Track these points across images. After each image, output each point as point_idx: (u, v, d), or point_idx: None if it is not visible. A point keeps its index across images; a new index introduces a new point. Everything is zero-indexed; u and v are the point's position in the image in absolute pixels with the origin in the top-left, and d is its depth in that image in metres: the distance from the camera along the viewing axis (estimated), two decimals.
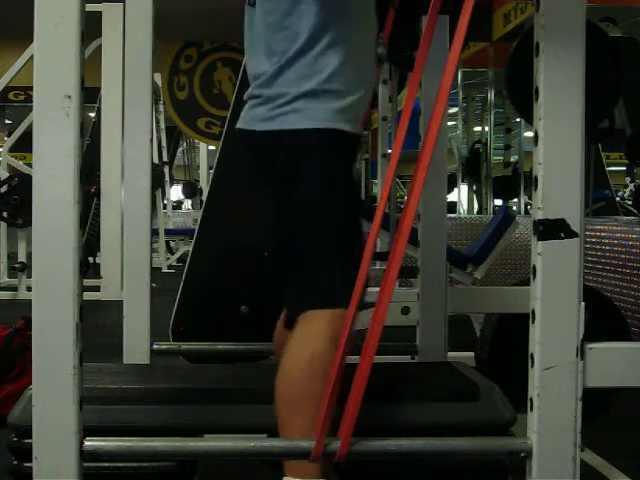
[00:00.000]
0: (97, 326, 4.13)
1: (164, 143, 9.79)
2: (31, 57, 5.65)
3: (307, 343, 1.52)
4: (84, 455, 1.37)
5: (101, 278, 6.29)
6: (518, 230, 4.65)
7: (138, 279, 2.33)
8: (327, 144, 1.58)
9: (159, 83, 8.22)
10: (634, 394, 2.41)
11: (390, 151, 4.43)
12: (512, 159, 8.15)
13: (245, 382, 1.86)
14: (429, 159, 1.40)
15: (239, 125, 1.71)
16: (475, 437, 1.57)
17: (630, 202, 10.81)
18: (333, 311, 1.52)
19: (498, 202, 8.02)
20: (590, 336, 1.49)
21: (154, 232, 6.87)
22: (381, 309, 1.41)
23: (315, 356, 1.49)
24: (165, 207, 10.41)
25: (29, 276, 6.19)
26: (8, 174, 6.58)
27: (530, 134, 6.55)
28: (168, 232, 9.70)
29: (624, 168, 15.15)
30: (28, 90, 9.06)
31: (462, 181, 8.62)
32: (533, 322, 1.47)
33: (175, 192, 14.87)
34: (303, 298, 1.59)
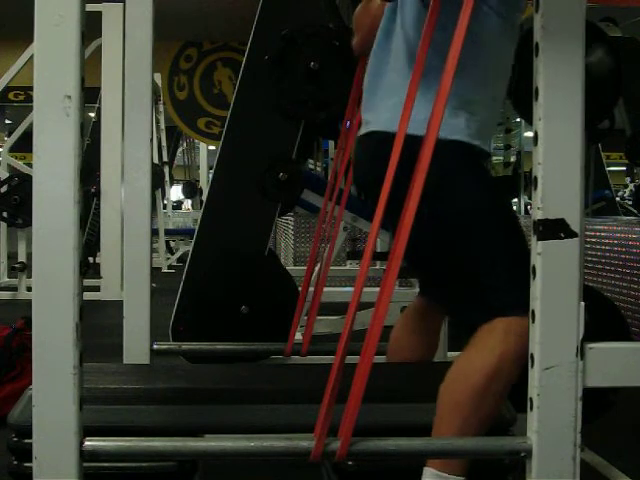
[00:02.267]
0: (97, 326, 4.14)
1: (164, 143, 9.80)
2: (31, 57, 5.66)
3: (492, 352, 1.55)
4: (84, 455, 1.37)
5: (101, 278, 6.29)
6: None
7: (138, 279, 2.33)
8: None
9: (159, 83, 8.23)
10: (634, 394, 2.41)
11: None
12: (512, 159, 8.15)
13: (245, 382, 1.86)
14: (429, 160, 1.40)
15: None
16: (475, 437, 1.56)
17: (630, 202, 10.81)
18: (519, 319, 1.54)
19: None
20: (590, 336, 1.49)
21: (154, 232, 6.88)
22: (381, 309, 1.41)
23: (500, 367, 1.54)
24: (165, 207, 10.41)
25: (29, 276, 6.20)
26: (8, 174, 6.59)
27: (530, 134, 6.55)
28: (168, 232, 9.71)
29: (624, 168, 15.16)
30: (28, 90, 9.07)
31: None
32: (533, 322, 1.46)
33: (175, 192, 14.88)
34: (487, 307, 1.61)
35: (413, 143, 1.44)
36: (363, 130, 1.79)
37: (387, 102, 1.70)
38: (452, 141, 1.63)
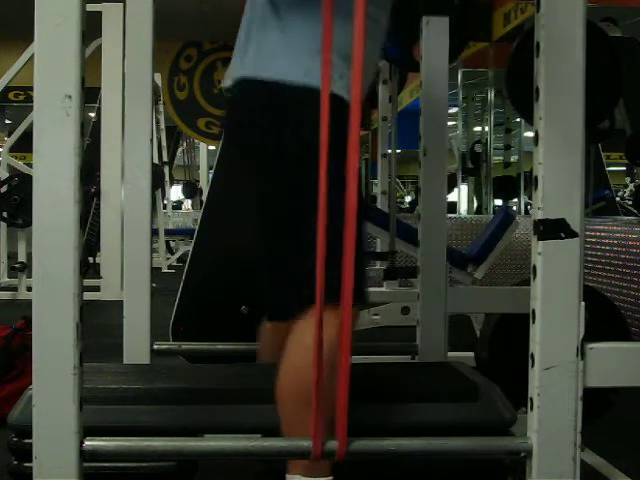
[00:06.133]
0: (97, 326, 4.13)
1: (164, 143, 9.79)
2: (31, 57, 5.66)
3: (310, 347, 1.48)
4: (84, 455, 1.37)
5: (101, 278, 6.29)
6: (518, 230, 4.65)
7: (138, 279, 2.33)
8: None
9: (159, 83, 8.22)
10: (634, 394, 2.41)
11: (390, 151, 4.44)
12: (512, 159, 8.16)
13: (245, 382, 1.86)
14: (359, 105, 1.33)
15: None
16: (475, 437, 1.57)
17: (630, 202, 10.81)
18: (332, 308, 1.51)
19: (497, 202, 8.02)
20: (590, 336, 1.49)
21: (154, 232, 6.87)
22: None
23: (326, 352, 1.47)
24: (165, 207, 10.41)
25: (29, 276, 6.19)
26: (8, 174, 6.58)
27: (530, 134, 6.55)
28: (168, 232, 9.70)
29: (624, 168, 15.16)
30: (28, 90, 9.07)
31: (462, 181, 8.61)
32: (533, 322, 1.47)
33: (175, 192, 14.88)
34: (308, 293, 1.49)
35: (279, 90, 1.49)
36: (233, 75, 1.65)
37: (247, 50, 1.62)
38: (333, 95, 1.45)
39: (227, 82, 1.67)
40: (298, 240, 1.54)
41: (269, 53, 1.57)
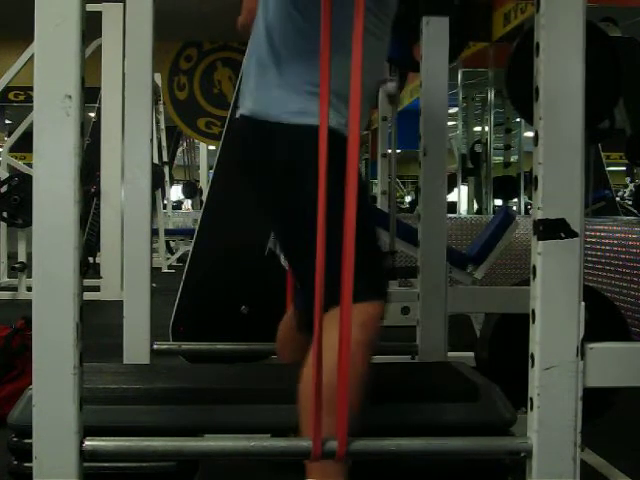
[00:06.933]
0: (97, 326, 4.13)
1: (164, 143, 9.79)
2: (31, 57, 5.65)
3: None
4: (84, 455, 1.37)
5: (101, 278, 6.29)
6: (518, 230, 4.65)
7: (138, 279, 2.33)
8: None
9: (159, 83, 8.22)
10: (634, 394, 2.41)
11: (390, 151, 4.44)
12: (512, 159, 8.16)
13: (245, 382, 1.86)
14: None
15: None
16: (475, 437, 1.57)
17: (630, 202, 10.82)
18: (372, 304, 1.54)
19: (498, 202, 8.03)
20: (590, 336, 1.49)
21: (154, 232, 6.87)
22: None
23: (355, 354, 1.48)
24: (165, 207, 10.41)
25: (29, 276, 6.19)
26: (8, 174, 6.58)
27: (530, 134, 6.55)
28: (168, 232, 9.70)
29: (624, 168, 15.16)
30: (28, 90, 9.07)
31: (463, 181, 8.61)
32: (533, 322, 1.47)
33: (175, 192, 14.87)
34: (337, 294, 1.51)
35: (273, 129, 1.60)
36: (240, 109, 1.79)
37: (248, 86, 1.74)
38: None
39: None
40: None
41: (267, 96, 1.68)
